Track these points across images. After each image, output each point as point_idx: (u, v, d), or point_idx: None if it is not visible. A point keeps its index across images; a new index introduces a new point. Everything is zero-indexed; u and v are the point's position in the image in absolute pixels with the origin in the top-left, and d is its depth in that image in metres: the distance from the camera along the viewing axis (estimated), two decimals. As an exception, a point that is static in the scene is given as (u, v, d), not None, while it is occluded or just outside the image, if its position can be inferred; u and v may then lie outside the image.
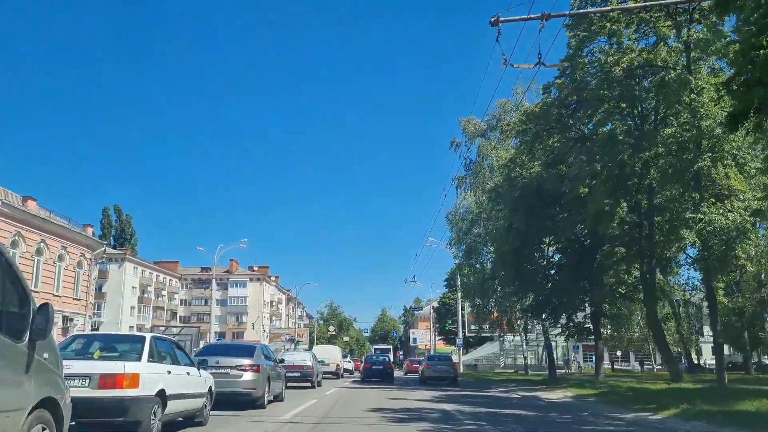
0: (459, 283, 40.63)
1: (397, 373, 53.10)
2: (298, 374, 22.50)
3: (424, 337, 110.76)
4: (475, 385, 29.03)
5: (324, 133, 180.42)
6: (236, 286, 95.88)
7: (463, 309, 51.50)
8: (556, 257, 30.29)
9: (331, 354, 36.62)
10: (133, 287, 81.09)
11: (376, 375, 30.77)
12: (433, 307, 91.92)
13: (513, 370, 49.20)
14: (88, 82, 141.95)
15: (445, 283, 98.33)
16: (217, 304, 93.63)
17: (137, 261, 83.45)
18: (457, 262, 39.12)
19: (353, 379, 34.52)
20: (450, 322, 61.03)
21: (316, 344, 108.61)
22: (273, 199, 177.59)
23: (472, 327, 52.00)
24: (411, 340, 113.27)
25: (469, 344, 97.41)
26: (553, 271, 29.79)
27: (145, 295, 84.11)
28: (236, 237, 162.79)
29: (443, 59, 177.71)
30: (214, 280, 51.72)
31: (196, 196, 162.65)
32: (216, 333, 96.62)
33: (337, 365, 35.85)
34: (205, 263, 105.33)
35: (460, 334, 50.29)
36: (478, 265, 35.67)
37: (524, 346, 45.66)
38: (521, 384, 27.39)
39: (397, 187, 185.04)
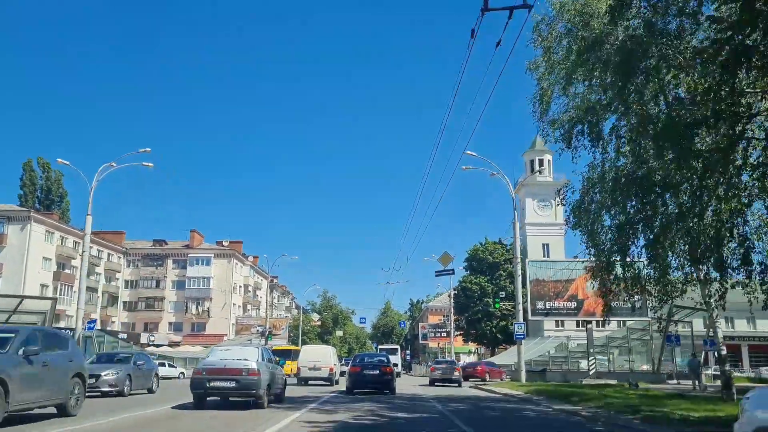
0: (565, 193, 17.20)
1: (404, 381, 35.00)
2: (234, 384, 13.27)
3: (436, 333, 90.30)
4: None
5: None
6: (197, 264, 74.42)
7: (523, 273, 30.12)
8: None
9: (322, 356, 30.26)
10: (45, 258, 59.70)
11: (369, 383, 20.99)
12: (454, 289, 70.86)
13: (616, 381, 27.44)
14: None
15: (465, 264, 77.46)
16: (173, 287, 72.76)
17: (54, 224, 61.96)
18: (556, 134, 17.00)
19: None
20: (501, 296, 39.29)
21: (303, 341, 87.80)
22: (249, 167, 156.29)
23: (539, 305, 30.18)
24: (420, 337, 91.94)
25: (496, 341, 76.27)
26: None
27: (66, 271, 62.65)
28: (208, 215, 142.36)
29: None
30: (87, 232, 30.17)
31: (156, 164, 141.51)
32: (170, 324, 75.50)
33: (331, 369, 29.17)
34: (158, 234, 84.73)
35: (521, 317, 28.88)
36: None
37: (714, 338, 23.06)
38: None
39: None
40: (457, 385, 29.94)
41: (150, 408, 13.82)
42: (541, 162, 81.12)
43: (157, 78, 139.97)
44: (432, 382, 30.57)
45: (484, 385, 28.10)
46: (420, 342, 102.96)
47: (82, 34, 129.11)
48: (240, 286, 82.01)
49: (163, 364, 46.80)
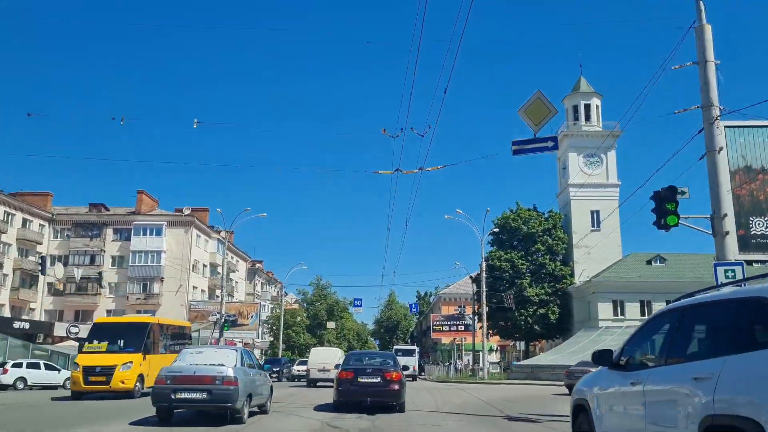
0: None
1: (422, 397, 21.83)
2: (205, 395, 11.54)
3: (451, 326, 73.86)
4: None
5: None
6: (145, 234, 57.08)
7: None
8: None
9: (331, 358, 30.69)
10: None
11: (365, 396, 14.62)
12: (476, 274, 54.36)
13: None
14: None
15: (491, 237, 60.19)
16: (113, 264, 55.58)
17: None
18: None
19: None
20: (683, 193, 21.47)
21: (287, 335, 70.65)
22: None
23: (755, 227, 12.80)
24: (432, 330, 74.89)
25: (532, 334, 59.18)
26: None
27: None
28: (171, 181, 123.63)
29: None
30: None
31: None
32: (109, 312, 58.13)
33: None
34: (95, 197, 66.53)
35: (728, 250, 11.40)
36: None
37: None
38: None
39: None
40: None
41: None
42: (587, 108, 63.65)
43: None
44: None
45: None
46: (431, 338, 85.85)
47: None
48: (204, 265, 64.63)
49: (35, 366, 30.01)
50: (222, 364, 11.93)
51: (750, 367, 3.97)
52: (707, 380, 4.27)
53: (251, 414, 12.77)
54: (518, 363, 42.89)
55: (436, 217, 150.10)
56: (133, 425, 11.45)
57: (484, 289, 40.47)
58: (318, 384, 29.90)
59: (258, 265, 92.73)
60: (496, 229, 58.85)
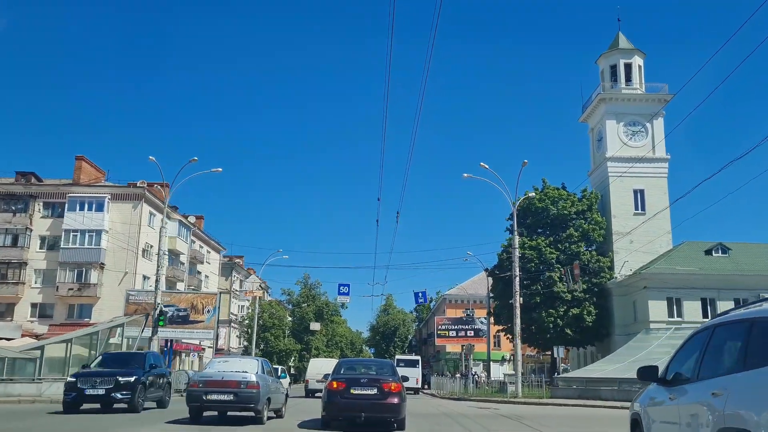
0: None
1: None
2: (232, 397, 13.29)
3: (458, 331, 63.50)
4: None
5: None
6: (81, 209, 45.59)
7: None
8: None
9: (329, 369, 27.55)
10: None
11: (357, 410, 13.14)
12: (499, 255, 44.03)
13: None
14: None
15: (510, 223, 48.78)
16: (42, 246, 44.39)
17: None
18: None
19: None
20: None
21: (264, 339, 59.21)
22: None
23: None
24: (436, 336, 63.59)
25: (563, 339, 48.04)
26: None
27: None
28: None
29: None
30: None
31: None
32: (34, 306, 46.40)
33: None
34: (29, 164, 54.37)
35: None
36: None
37: None
38: None
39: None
40: None
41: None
42: (627, 68, 52.72)
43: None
44: None
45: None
46: (435, 345, 74.63)
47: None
48: (163, 252, 53.09)
49: None
50: (246, 371, 13.71)
51: (751, 384, 4.24)
52: (721, 396, 4.51)
53: (269, 418, 14.17)
54: (565, 376, 31.56)
55: (440, 198, 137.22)
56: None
57: (517, 273, 29.05)
58: (316, 395, 30.49)
59: (237, 260, 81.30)
60: (528, 196, 46.76)
